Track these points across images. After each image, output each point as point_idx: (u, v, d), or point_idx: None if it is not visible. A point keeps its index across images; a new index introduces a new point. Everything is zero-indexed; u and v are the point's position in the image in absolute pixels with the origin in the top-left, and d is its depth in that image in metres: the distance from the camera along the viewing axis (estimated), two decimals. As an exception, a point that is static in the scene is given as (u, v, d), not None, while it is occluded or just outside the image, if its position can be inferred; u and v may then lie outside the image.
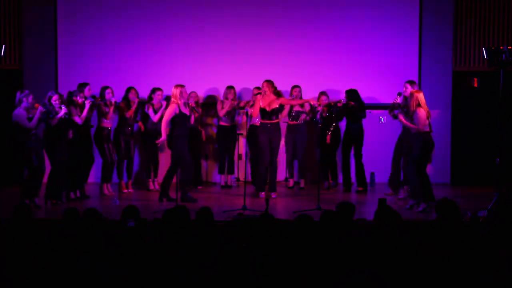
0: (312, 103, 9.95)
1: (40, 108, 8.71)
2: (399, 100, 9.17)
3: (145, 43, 11.08)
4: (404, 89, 9.19)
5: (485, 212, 7.89)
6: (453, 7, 11.04)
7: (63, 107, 8.89)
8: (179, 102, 9.15)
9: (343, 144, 10.38)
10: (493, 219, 7.63)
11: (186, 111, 9.25)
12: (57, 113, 8.85)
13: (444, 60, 11.10)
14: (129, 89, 10.12)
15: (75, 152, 9.31)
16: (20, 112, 8.66)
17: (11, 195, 9.29)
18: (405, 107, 8.82)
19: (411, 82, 9.29)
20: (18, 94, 8.79)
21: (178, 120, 9.19)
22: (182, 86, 9.24)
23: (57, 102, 8.90)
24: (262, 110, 9.48)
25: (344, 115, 10.22)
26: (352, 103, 10.01)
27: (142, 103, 10.26)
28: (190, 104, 9.44)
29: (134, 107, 10.06)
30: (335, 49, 11.07)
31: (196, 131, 10.42)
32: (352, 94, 10.11)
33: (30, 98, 8.73)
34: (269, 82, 9.57)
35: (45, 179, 9.00)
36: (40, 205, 8.84)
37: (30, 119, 8.65)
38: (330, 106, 10.22)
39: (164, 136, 9.18)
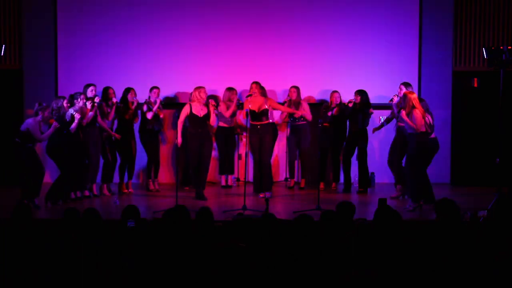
0: (295, 113, 10.10)
1: (54, 124, 8.80)
2: (395, 100, 9.25)
3: (145, 43, 11.05)
4: (398, 90, 9.29)
5: (485, 212, 7.88)
6: (453, 8, 11.03)
7: (76, 117, 8.92)
8: (192, 103, 9.46)
9: (347, 144, 10.37)
10: (493, 219, 7.62)
11: (198, 112, 9.39)
12: (71, 122, 8.94)
13: (444, 60, 11.09)
14: (128, 90, 10.10)
15: (80, 155, 9.36)
16: (34, 122, 8.72)
17: (11, 195, 9.28)
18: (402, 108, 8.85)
19: (405, 84, 9.37)
20: (36, 105, 8.86)
21: (189, 120, 9.47)
22: (197, 88, 9.50)
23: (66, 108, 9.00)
24: (252, 112, 9.52)
25: (353, 113, 10.20)
26: (359, 97, 10.08)
27: (141, 104, 10.23)
28: (210, 104, 9.55)
29: (133, 107, 10.03)
30: (334, 50, 11.04)
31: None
32: (361, 94, 10.16)
33: (47, 113, 8.81)
34: (258, 84, 9.78)
35: (47, 179, 9.02)
36: (39, 205, 8.85)
37: (41, 132, 8.75)
38: (342, 105, 10.25)
39: (179, 138, 9.38)
